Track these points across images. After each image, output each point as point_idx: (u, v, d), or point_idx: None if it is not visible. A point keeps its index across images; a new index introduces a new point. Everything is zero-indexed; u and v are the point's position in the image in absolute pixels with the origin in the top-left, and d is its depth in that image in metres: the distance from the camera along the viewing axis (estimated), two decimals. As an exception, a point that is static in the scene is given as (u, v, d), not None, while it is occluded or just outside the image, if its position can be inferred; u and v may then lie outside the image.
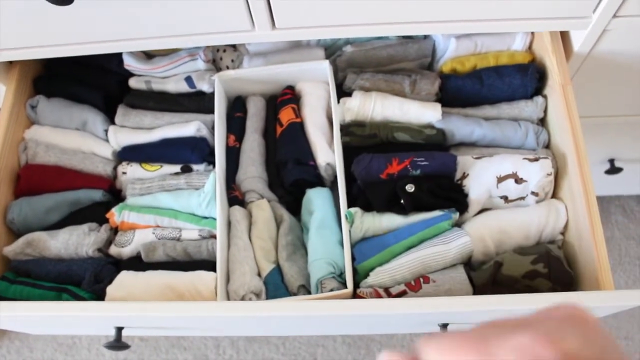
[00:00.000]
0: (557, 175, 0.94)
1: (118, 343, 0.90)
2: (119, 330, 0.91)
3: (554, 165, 0.93)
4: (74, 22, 0.87)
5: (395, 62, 1.05)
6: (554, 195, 0.95)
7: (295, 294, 0.90)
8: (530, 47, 1.03)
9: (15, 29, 0.89)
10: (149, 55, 1.05)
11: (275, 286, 0.91)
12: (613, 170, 1.33)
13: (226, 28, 0.90)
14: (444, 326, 0.89)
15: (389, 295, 0.86)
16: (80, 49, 0.93)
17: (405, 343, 1.57)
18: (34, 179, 0.99)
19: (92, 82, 1.07)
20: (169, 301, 0.85)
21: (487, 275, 0.87)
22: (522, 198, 0.93)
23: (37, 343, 1.62)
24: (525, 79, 0.97)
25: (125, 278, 0.90)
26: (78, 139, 1.03)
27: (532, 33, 1.02)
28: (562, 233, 0.92)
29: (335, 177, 0.99)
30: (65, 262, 0.93)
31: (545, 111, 0.99)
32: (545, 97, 0.99)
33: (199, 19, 0.87)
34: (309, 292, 0.91)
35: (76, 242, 0.93)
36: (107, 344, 0.91)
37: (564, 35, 0.97)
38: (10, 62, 1.04)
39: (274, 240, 0.96)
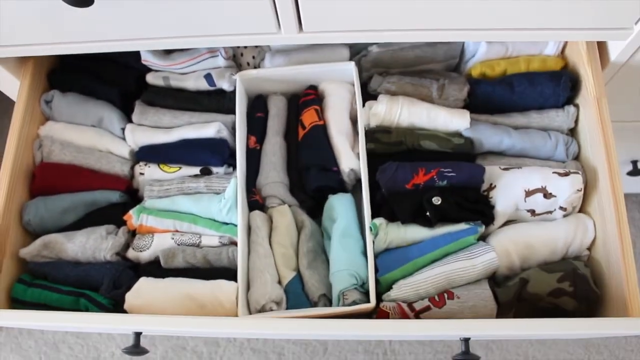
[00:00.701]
0: (586, 189, 0.92)
1: (137, 349, 0.89)
2: (138, 335, 0.90)
3: (584, 180, 0.90)
4: (92, 20, 0.83)
5: (422, 63, 1.01)
6: (582, 209, 0.93)
7: (316, 303, 0.89)
8: (562, 52, 1.00)
9: (30, 25, 0.85)
10: (167, 51, 1.01)
11: (296, 295, 0.90)
12: (636, 171, 1.31)
13: (251, 29, 0.86)
14: (466, 340, 0.88)
15: (413, 310, 0.85)
16: (98, 47, 0.90)
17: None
18: (50, 178, 0.97)
19: (108, 77, 1.03)
20: (191, 315, 0.84)
21: (512, 293, 0.86)
22: (550, 212, 0.91)
23: (47, 324, 1.63)
24: (557, 88, 0.94)
25: (145, 285, 0.89)
26: (94, 136, 1.01)
27: (566, 38, 0.98)
28: (589, 249, 0.91)
29: (358, 180, 0.97)
30: (83, 266, 0.92)
31: (576, 121, 0.96)
32: (577, 106, 0.96)
33: (223, 19, 0.84)
34: (330, 301, 0.90)
35: (93, 246, 0.92)
36: (125, 349, 0.90)
37: (600, 44, 0.93)
38: (25, 56, 1.00)
39: (295, 246, 0.94)
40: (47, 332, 1.61)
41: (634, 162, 1.31)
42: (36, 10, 0.81)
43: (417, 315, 0.85)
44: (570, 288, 0.85)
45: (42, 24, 0.85)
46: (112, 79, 1.03)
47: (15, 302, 0.91)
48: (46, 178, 0.98)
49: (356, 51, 1.03)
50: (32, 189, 0.98)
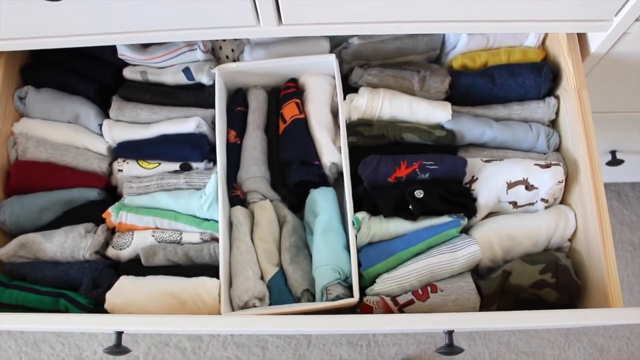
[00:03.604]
0: (567, 181, 0.92)
1: (118, 348, 0.88)
2: (119, 334, 0.88)
3: (565, 172, 0.91)
4: (66, 14, 0.81)
5: (403, 55, 1.01)
6: (563, 200, 0.93)
7: (299, 298, 0.89)
8: (543, 43, 1.00)
9: (2, 19, 0.82)
10: (144, 45, 0.99)
11: (279, 290, 0.89)
12: (615, 162, 1.32)
13: (230, 23, 0.85)
14: (450, 332, 0.88)
15: (397, 304, 0.85)
16: (73, 41, 0.88)
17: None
18: (25, 176, 0.95)
19: (84, 71, 1.01)
20: (173, 313, 0.83)
21: (495, 285, 0.86)
22: (531, 204, 0.92)
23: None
24: (539, 79, 0.94)
25: (125, 283, 0.88)
26: (70, 133, 0.99)
27: (546, 29, 0.98)
28: (570, 240, 0.91)
29: (339, 174, 0.96)
30: (62, 266, 0.90)
31: (556, 113, 0.96)
32: (557, 98, 0.96)
33: (202, 12, 0.82)
34: (313, 296, 0.89)
35: (72, 245, 0.90)
36: (107, 349, 0.88)
37: (581, 36, 0.93)
38: (-4, 52, 0.98)
39: (277, 241, 0.93)
40: (27, 332, 1.59)
41: (613, 153, 1.32)
42: (7, 3, 0.79)
43: (401, 309, 0.85)
44: (553, 279, 0.85)
45: (14, 17, 0.82)
46: (88, 74, 1.01)
47: (-7, 304, 0.89)
48: (22, 176, 0.95)
49: (336, 43, 1.02)
50: (7, 188, 0.96)
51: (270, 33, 0.86)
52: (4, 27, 0.84)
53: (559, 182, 0.89)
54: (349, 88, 0.99)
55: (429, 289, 0.86)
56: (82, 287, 0.88)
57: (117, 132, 0.97)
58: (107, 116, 1.00)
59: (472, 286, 0.86)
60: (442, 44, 1.02)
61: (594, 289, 0.85)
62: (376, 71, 0.97)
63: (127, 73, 1.00)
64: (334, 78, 0.99)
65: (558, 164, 0.90)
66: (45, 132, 0.99)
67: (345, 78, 1.00)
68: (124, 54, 0.98)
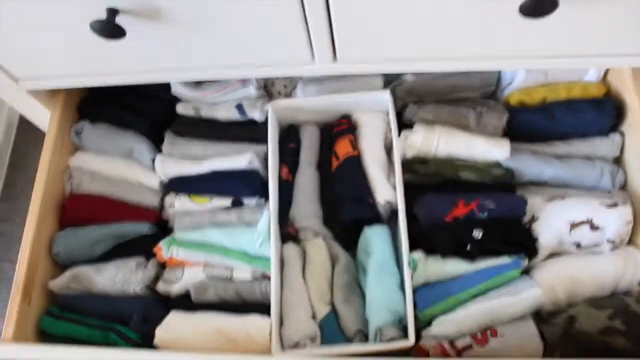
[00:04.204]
0: (635, 221, 0.87)
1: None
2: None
3: (634, 212, 0.86)
4: (123, 52, 0.82)
5: (458, 91, 0.99)
6: (631, 242, 0.89)
7: (351, 339, 0.86)
8: (604, 77, 0.96)
9: (62, 58, 0.84)
10: (198, 82, 1.00)
11: (331, 331, 0.86)
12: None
13: (285, 60, 0.84)
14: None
15: (454, 348, 0.81)
16: (129, 78, 0.89)
17: None
18: (80, 209, 0.96)
19: (138, 107, 1.02)
20: (222, 351, 0.81)
21: (560, 331, 0.82)
22: (597, 245, 0.87)
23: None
24: (600, 115, 0.91)
25: (175, 319, 0.86)
26: (124, 167, 1.00)
27: (608, 64, 0.95)
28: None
29: (393, 212, 0.94)
30: (112, 300, 0.90)
31: (621, 150, 0.92)
32: (622, 134, 0.92)
33: (256, 49, 0.82)
34: (366, 337, 0.86)
35: (123, 279, 0.90)
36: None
37: (646, 70, 0.90)
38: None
39: (330, 280, 0.91)
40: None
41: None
42: (67, 43, 0.80)
43: (459, 353, 0.81)
44: (622, 327, 0.80)
45: (73, 56, 0.84)
46: (142, 110, 1.02)
47: (44, 335, 0.89)
48: (76, 209, 0.96)
49: (389, 80, 1.01)
50: (62, 220, 0.97)
51: (325, 70, 0.86)
52: (65, 66, 0.86)
53: (627, 222, 0.85)
54: (403, 125, 0.97)
55: (489, 333, 0.82)
56: (131, 322, 0.87)
57: (170, 167, 0.98)
58: (159, 151, 1.00)
59: (534, 331, 0.82)
60: (498, 80, 1.00)
61: (667, 338, 0.80)
62: (431, 107, 0.95)
63: (181, 109, 1.01)
64: (387, 115, 0.97)
65: (625, 204, 0.85)
66: (100, 166, 1.00)
67: (398, 115, 0.98)
68: (177, 91, 0.99)
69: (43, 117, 1.01)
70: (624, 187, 0.92)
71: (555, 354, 0.82)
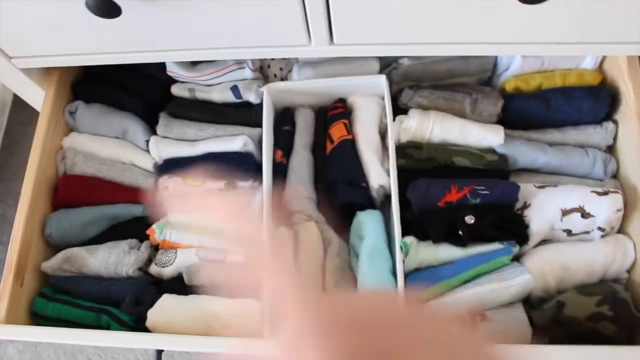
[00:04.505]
0: (626, 209, 0.88)
1: (158, 367, 0.87)
2: (159, 352, 0.88)
3: (624, 199, 0.87)
4: (118, 31, 0.82)
5: (454, 76, 0.98)
6: (621, 230, 0.89)
7: (342, 323, 0.86)
8: (600, 65, 0.96)
9: (56, 36, 0.83)
10: (193, 62, 0.99)
11: (322, 314, 0.87)
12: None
13: (281, 42, 0.84)
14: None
15: (444, 333, 0.82)
16: (124, 58, 0.88)
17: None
18: (73, 190, 0.96)
19: (133, 88, 1.02)
20: (214, 333, 0.81)
21: (549, 317, 0.83)
22: (587, 232, 0.88)
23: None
24: (596, 103, 0.91)
25: (167, 302, 0.87)
26: (117, 148, 0.99)
27: (604, 52, 0.95)
28: (629, 271, 0.87)
29: (386, 197, 0.94)
30: (105, 282, 0.90)
31: (614, 138, 0.92)
32: (615, 122, 0.92)
33: (253, 30, 0.81)
34: (357, 322, 0.87)
35: (116, 261, 0.90)
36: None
37: (642, 58, 0.90)
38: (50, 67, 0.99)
39: (321, 264, 0.91)
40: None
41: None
42: (62, 21, 0.80)
43: (449, 338, 0.82)
44: (610, 312, 0.81)
45: (67, 35, 0.83)
46: (136, 90, 1.02)
47: (36, 317, 0.89)
48: (69, 191, 0.96)
49: (386, 64, 1.01)
50: (55, 201, 0.97)
51: (322, 53, 0.85)
52: (59, 44, 0.85)
53: (618, 210, 0.85)
54: (398, 109, 0.97)
55: (478, 318, 0.83)
56: (124, 304, 0.87)
57: (164, 148, 0.97)
58: (154, 132, 1.00)
59: (523, 316, 0.83)
60: (495, 66, 1.00)
61: (655, 325, 0.81)
62: (427, 92, 0.95)
63: (175, 90, 1.01)
64: (383, 99, 0.97)
65: (616, 192, 0.86)
66: (93, 147, 0.99)
67: (394, 99, 0.98)
68: (173, 71, 0.98)
69: (37, 96, 1.00)
70: (616, 175, 0.92)
71: (544, 338, 0.83)
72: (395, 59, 0.99)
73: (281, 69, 1.01)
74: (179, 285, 0.90)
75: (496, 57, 0.98)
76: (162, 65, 0.99)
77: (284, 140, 0.98)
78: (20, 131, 1.45)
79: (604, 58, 0.95)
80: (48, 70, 0.99)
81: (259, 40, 0.83)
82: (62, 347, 1.59)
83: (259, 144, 0.96)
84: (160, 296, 0.87)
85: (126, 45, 0.85)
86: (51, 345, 1.58)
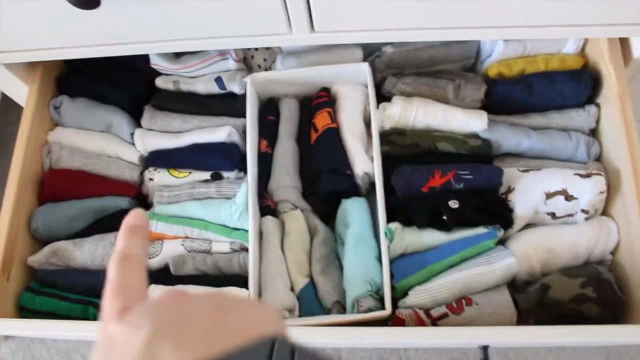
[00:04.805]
0: (609, 191, 0.88)
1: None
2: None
3: (607, 182, 0.87)
4: (100, 23, 0.82)
5: (438, 63, 0.99)
6: (605, 212, 0.90)
7: (329, 310, 0.87)
8: (583, 50, 0.97)
9: (38, 30, 0.84)
10: (177, 54, 1.00)
11: (309, 302, 0.87)
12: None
13: (262, 31, 0.84)
14: (485, 348, 0.85)
15: (430, 317, 0.82)
16: (107, 50, 0.88)
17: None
18: (59, 184, 0.96)
19: (117, 81, 1.02)
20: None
21: (533, 299, 0.83)
22: (571, 215, 0.88)
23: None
24: (578, 86, 0.91)
25: (154, 293, 0.87)
26: (103, 142, 0.99)
27: (586, 36, 0.95)
28: (612, 253, 0.87)
29: (372, 184, 0.94)
30: (92, 275, 0.90)
31: (597, 121, 0.93)
32: (598, 105, 0.93)
33: (234, 20, 0.82)
34: (344, 308, 0.87)
35: (102, 253, 0.90)
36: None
37: (622, 41, 0.90)
38: (34, 62, 0.99)
39: (308, 252, 0.92)
40: (59, 340, 1.60)
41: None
42: (44, 15, 0.80)
43: (434, 322, 0.82)
44: (594, 294, 0.82)
45: (50, 29, 0.83)
46: (121, 83, 1.02)
47: (24, 311, 0.89)
48: (55, 184, 0.96)
49: (369, 52, 1.01)
50: (41, 195, 0.97)
51: (303, 41, 0.85)
52: (41, 38, 0.85)
53: (601, 192, 0.86)
54: (382, 97, 0.97)
55: (464, 302, 0.83)
56: (111, 296, 0.87)
57: (149, 141, 0.98)
58: (139, 125, 1.00)
59: (508, 300, 0.83)
60: (478, 52, 1.00)
61: (638, 305, 0.81)
62: (410, 80, 0.95)
63: (160, 82, 1.01)
64: (367, 87, 0.97)
65: (599, 174, 0.86)
66: (79, 141, 0.99)
67: (378, 87, 0.99)
68: (156, 63, 0.98)
69: (21, 92, 1.00)
70: (599, 158, 0.93)
71: (529, 321, 0.84)
72: (378, 47, 1.00)
73: (265, 60, 1.01)
74: (166, 276, 0.90)
75: (479, 44, 0.99)
76: (146, 58, 0.99)
77: (268, 130, 0.98)
78: (10, 132, 1.45)
79: (585, 42, 0.96)
80: (31, 65, 0.99)
81: (240, 29, 0.84)
82: (55, 346, 1.59)
83: (244, 134, 0.96)
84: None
85: (108, 37, 0.85)
86: (44, 344, 1.58)
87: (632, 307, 0.83)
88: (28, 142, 0.95)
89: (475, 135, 0.92)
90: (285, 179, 0.93)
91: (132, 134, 0.99)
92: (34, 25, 0.82)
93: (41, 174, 0.98)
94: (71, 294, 0.89)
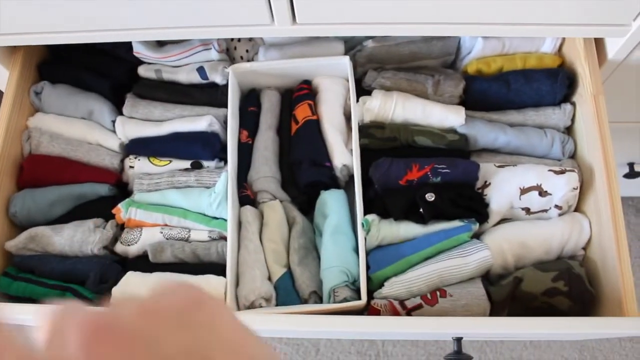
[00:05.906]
0: (582, 188, 0.90)
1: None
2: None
3: (580, 178, 0.89)
4: (83, 9, 0.82)
5: (418, 59, 1.00)
6: (578, 208, 0.92)
7: (306, 300, 0.88)
8: (560, 49, 0.99)
9: (19, 13, 0.83)
10: (160, 43, 1.00)
11: (286, 291, 0.88)
12: (632, 174, 1.30)
13: (244, 21, 0.85)
14: (458, 339, 0.87)
15: (404, 308, 0.84)
16: (89, 37, 0.88)
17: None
18: (38, 170, 0.96)
19: (99, 68, 1.02)
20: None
21: (506, 292, 0.85)
22: (545, 210, 0.90)
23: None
24: (554, 85, 0.93)
25: (132, 279, 0.87)
26: (84, 128, 0.99)
27: (563, 36, 0.97)
28: (584, 248, 0.89)
29: (350, 177, 0.95)
30: (70, 260, 0.90)
31: (572, 119, 0.95)
32: (573, 104, 0.95)
33: (217, 10, 0.82)
34: (321, 298, 0.88)
35: (81, 239, 0.90)
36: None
37: (598, 42, 0.92)
38: (15, 46, 0.99)
39: (286, 242, 0.93)
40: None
41: (631, 165, 1.30)
42: (26, -2, 0.80)
43: (409, 313, 0.84)
44: (565, 288, 0.83)
45: (32, 13, 0.83)
46: (103, 71, 1.02)
47: (0, 296, 0.89)
48: (34, 170, 0.96)
49: (350, 47, 1.02)
50: (20, 181, 0.96)
51: (285, 32, 0.86)
52: (22, 22, 0.85)
53: (574, 188, 0.87)
54: (363, 91, 0.98)
55: (438, 293, 0.85)
56: (88, 281, 0.88)
57: (130, 129, 0.98)
58: (120, 113, 1.00)
59: (482, 292, 0.85)
60: (458, 49, 1.01)
61: (608, 299, 0.83)
62: (390, 74, 0.97)
63: (142, 71, 1.01)
64: (348, 81, 0.98)
65: (573, 170, 0.88)
66: (59, 128, 0.99)
67: (359, 82, 1.00)
68: (139, 51, 0.99)
69: (1, 76, 1.00)
70: (573, 155, 0.94)
71: (502, 313, 0.85)
72: (360, 41, 1.01)
73: (247, 51, 1.02)
74: (144, 263, 0.90)
75: (459, 41, 1.00)
76: (129, 47, 0.99)
77: (249, 121, 0.99)
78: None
79: (562, 42, 0.98)
80: (12, 50, 0.98)
81: (223, 19, 0.84)
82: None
83: (225, 124, 0.97)
84: (125, 274, 0.88)
85: (90, 23, 0.85)
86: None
87: (601, 301, 0.85)
88: (8, 127, 0.95)
89: (453, 130, 0.94)
90: (265, 170, 0.94)
91: (113, 122, 0.99)
92: (15, 9, 0.82)
93: (20, 159, 0.98)
94: (48, 280, 0.89)
